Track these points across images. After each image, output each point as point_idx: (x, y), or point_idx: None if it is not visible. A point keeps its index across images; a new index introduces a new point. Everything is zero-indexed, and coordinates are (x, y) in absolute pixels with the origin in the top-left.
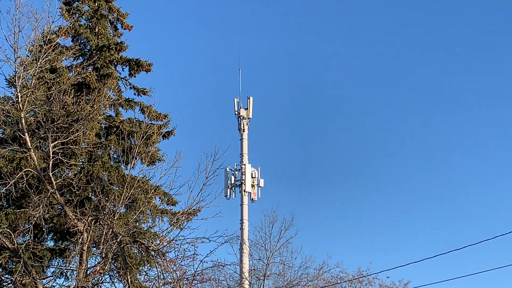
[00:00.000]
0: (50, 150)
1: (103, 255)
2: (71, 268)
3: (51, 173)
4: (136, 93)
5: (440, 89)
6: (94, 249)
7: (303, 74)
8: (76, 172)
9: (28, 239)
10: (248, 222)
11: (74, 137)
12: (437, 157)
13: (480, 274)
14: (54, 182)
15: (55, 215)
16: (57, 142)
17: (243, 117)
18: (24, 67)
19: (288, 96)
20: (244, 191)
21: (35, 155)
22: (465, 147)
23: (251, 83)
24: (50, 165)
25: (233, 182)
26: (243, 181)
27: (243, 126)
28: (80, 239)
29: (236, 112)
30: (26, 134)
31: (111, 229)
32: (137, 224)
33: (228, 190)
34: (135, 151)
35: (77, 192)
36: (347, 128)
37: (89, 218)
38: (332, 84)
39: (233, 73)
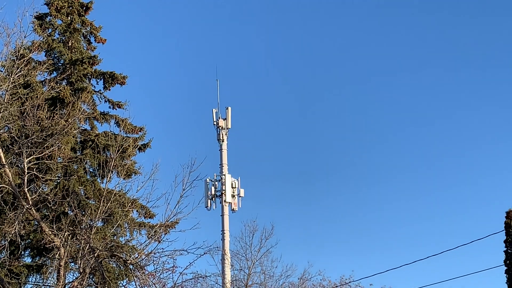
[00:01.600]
0: (25, 165)
1: (81, 270)
2: (49, 284)
3: (26, 189)
4: (111, 106)
5: (435, 87)
6: (72, 264)
7: (282, 82)
8: (52, 187)
9: (4, 256)
10: (229, 233)
11: (49, 152)
12: (418, 163)
13: (458, 279)
14: (30, 198)
15: (31, 231)
16: (32, 157)
17: (222, 127)
18: None
19: (267, 105)
20: (225, 201)
21: (10, 171)
22: (451, 152)
23: (229, 93)
24: (25, 180)
25: (213, 192)
26: (224, 192)
27: (222, 137)
28: (57, 255)
29: (215, 123)
30: (0, 150)
31: (88, 244)
32: (115, 238)
33: (209, 201)
34: (111, 164)
35: (53, 207)
36: (327, 137)
37: (66, 233)
38: (312, 92)
39: (210, 84)
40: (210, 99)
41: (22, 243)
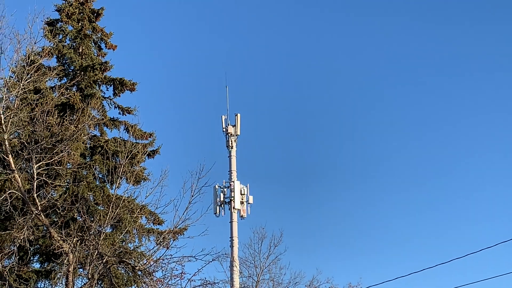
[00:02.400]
0: (35, 171)
1: (89, 276)
2: None
3: (35, 195)
4: (121, 112)
5: (437, 90)
6: (80, 270)
7: (291, 88)
8: (61, 193)
9: (13, 262)
10: (238, 239)
11: (59, 158)
12: (427, 170)
13: (468, 286)
14: (39, 204)
15: (40, 236)
16: (41, 163)
17: (231, 134)
18: (7, 88)
19: (276, 111)
20: (233, 208)
21: (19, 176)
22: (460, 155)
23: (239, 99)
24: (35, 186)
25: (222, 199)
26: (232, 198)
27: (231, 143)
28: (66, 261)
29: (224, 129)
30: (10, 155)
31: (97, 250)
32: (123, 244)
33: (218, 207)
34: (120, 170)
35: (62, 213)
36: (336, 143)
37: (75, 239)
38: (321, 97)
39: (220, 90)
40: (219, 106)
41: (31, 249)
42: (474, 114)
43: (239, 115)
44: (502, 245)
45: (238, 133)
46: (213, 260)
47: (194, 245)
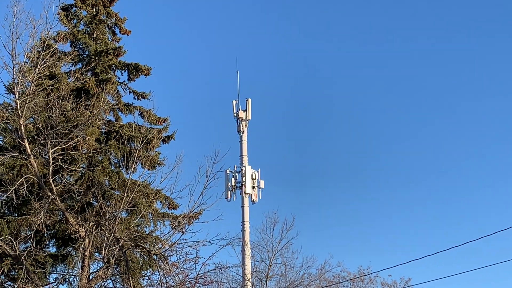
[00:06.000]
0: (50, 156)
1: (105, 260)
2: (74, 274)
3: (51, 180)
4: (136, 97)
5: (438, 88)
6: (96, 254)
7: (302, 74)
8: (76, 178)
9: (30, 246)
10: (249, 224)
11: (74, 143)
12: (437, 157)
13: (481, 270)
14: (55, 189)
15: (56, 221)
16: (57, 148)
17: (242, 119)
18: (22, 73)
19: (287, 97)
20: (245, 192)
21: (35, 161)
22: (462, 147)
23: (250, 84)
24: (50, 171)
25: (233, 184)
26: (244, 183)
27: (242, 128)
28: (82, 245)
29: (235, 114)
30: (26, 141)
31: (112, 234)
32: (139, 229)
33: (229, 192)
34: (135, 155)
35: (78, 198)
36: (346, 128)
37: (91, 224)
38: (331, 85)
39: (231, 75)
40: (231, 91)
41: (47, 233)
42: (474, 113)
43: (250, 100)
44: None
45: (249, 118)
46: (227, 244)
47: (209, 230)
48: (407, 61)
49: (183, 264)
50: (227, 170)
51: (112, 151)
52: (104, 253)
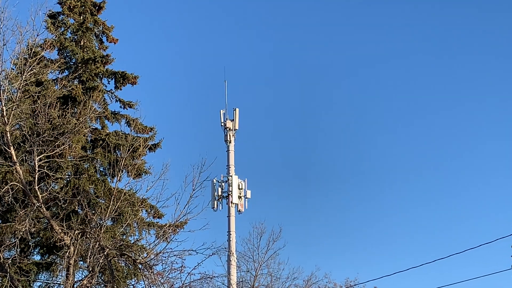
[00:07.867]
0: (36, 163)
1: (90, 269)
2: (58, 282)
3: (37, 187)
4: (122, 106)
5: (432, 89)
6: (81, 262)
7: (289, 84)
8: (62, 185)
9: (14, 254)
10: (236, 234)
11: (60, 151)
12: (423, 166)
13: (466, 282)
14: (40, 196)
15: (41, 229)
16: (42, 155)
17: (230, 129)
18: (9, 80)
19: (274, 106)
20: (231, 202)
21: (20, 168)
22: (455, 151)
23: (237, 94)
24: (36, 178)
25: (220, 193)
26: (230, 193)
27: (230, 138)
28: (67, 253)
29: (222, 124)
30: (12, 147)
31: (98, 242)
32: (124, 237)
33: (215, 201)
34: (121, 164)
35: (63, 206)
36: (335, 138)
37: (76, 232)
38: (319, 94)
39: (219, 84)
40: (218, 100)
41: (32, 241)
42: (475, 111)
43: (237, 109)
44: (501, 241)
45: (237, 127)
46: (212, 254)
47: (194, 239)
48: (402, 61)
49: (169, 274)
50: (214, 180)
51: (98, 159)
52: (89, 261)
